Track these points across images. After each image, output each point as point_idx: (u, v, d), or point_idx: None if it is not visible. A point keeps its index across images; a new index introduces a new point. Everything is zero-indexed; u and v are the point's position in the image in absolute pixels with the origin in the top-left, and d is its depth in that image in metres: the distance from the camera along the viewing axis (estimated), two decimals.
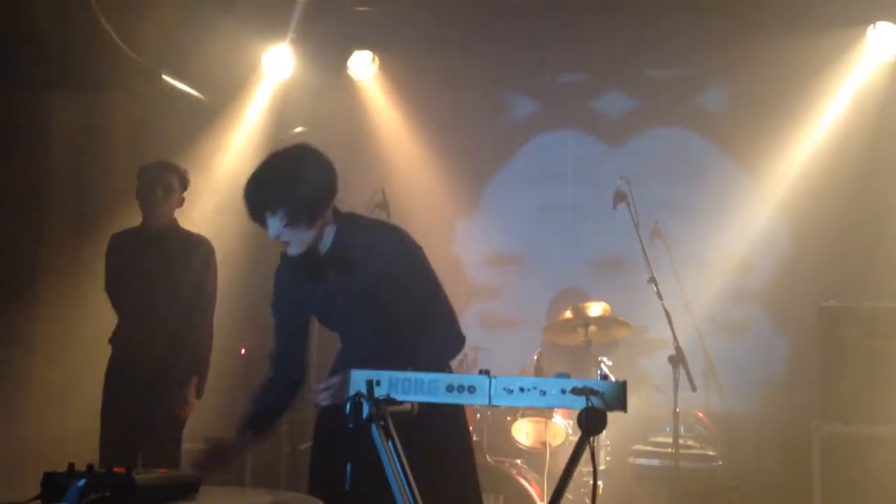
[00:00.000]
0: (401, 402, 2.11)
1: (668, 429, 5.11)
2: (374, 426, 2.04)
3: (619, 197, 5.26)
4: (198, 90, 5.89)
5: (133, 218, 4.48)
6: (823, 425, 4.79)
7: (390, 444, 2.06)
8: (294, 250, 2.81)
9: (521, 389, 2.03)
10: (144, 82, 5.41)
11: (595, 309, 5.46)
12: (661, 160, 6.38)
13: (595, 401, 1.94)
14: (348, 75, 6.57)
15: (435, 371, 2.13)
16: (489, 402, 2.04)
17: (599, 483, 5.03)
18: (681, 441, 4.85)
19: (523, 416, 5.19)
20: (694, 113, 6.41)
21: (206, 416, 4.78)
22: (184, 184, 4.43)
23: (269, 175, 2.77)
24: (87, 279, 4.52)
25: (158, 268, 4.34)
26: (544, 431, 5.12)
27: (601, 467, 5.13)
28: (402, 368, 2.13)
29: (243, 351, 5.70)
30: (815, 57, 5.79)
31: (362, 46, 6.49)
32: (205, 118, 6.01)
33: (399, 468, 2.05)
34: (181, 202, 4.45)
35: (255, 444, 3.07)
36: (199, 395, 4.41)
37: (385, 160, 6.68)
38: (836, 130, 5.90)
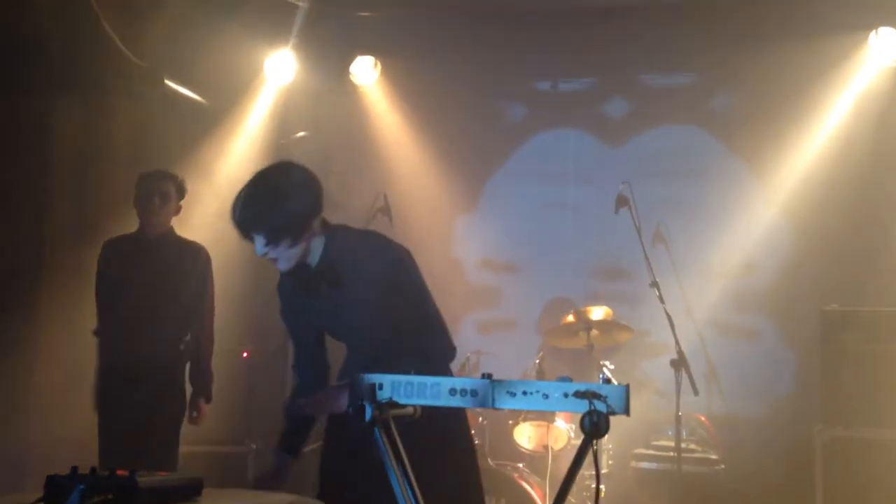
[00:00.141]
0: (403, 406, 2.12)
1: (669, 432, 5.11)
2: (376, 429, 2.05)
3: (621, 201, 5.26)
4: (200, 95, 5.89)
5: (134, 221, 4.51)
6: (826, 429, 4.79)
7: (393, 447, 2.06)
8: (282, 266, 2.88)
9: (524, 393, 2.03)
10: (147, 87, 5.42)
11: (597, 313, 5.46)
12: (663, 158, 6.38)
13: (598, 404, 1.94)
14: (350, 80, 6.58)
15: None
16: (492, 405, 2.04)
17: (602, 487, 5.02)
18: (683, 445, 4.85)
19: (525, 419, 5.19)
20: (697, 112, 6.42)
21: (209, 419, 4.79)
22: (181, 192, 4.49)
23: (251, 195, 2.82)
24: (89, 281, 4.54)
25: (156, 274, 4.38)
26: (546, 435, 5.11)
27: (603, 471, 5.12)
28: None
29: (245, 354, 5.71)
30: (817, 62, 5.80)
31: (364, 51, 6.51)
32: (207, 123, 6.02)
33: (401, 471, 2.05)
34: (178, 210, 4.51)
35: (296, 460, 3.13)
36: (208, 401, 4.50)
37: (387, 164, 6.68)
38: (838, 135, 5.90)
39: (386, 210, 5.73)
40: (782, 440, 5.68)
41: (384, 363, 2.56)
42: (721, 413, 5.82)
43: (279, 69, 6.22)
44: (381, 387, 2.09)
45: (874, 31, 5.75)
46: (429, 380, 2.08)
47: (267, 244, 2.78)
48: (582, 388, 1.98)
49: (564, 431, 5.13)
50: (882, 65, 5.82)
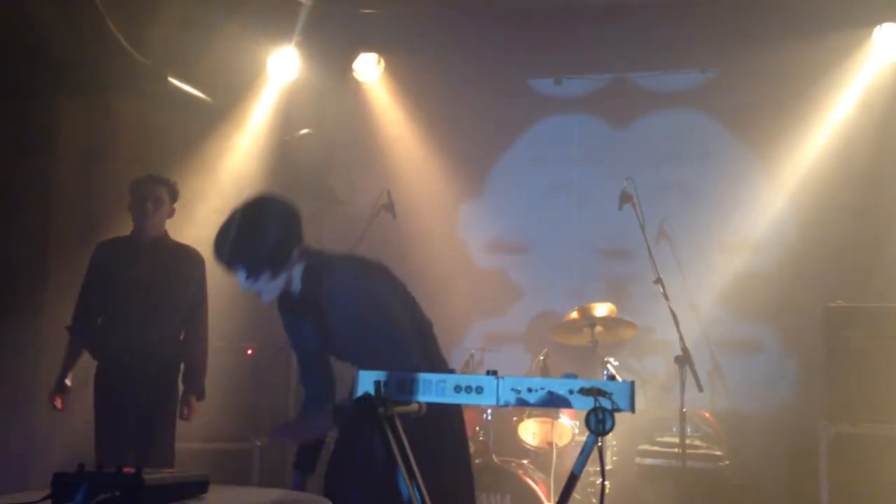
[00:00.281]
0: (408, 403, 2.12)
1: (674, 429, 5.11)
2: (382, 426, 2.05)
3: (625, 198, 5.25)
4: (204, 92, 5.90)
5: None
6: (830, 426, 4.78)
7: (398, 443, 2.07)
8: (266, 298, 2.97)
9: (529, 390, 2.03)
10: (151, 85, 5.43)
11: (601, 309, 5.46)
12: (668, 142, 6.40)
13: (603, 401, 1.94)
14: (354, 77, 6.58)
15: None
16: (497, 402, 2.04)
17: (606, 483, 5.03)
18: (687, 441, 4.84)
19: (530, 416, 5.20)
20: (703, 106, 6.42)
21: (214, 417, 4.81)
22: (173, 196, 4.61)
23: (228, 233, 2.89)
24: None
25: (150, 276, 4.48)
26: (551, 432, 5.12)
27: (608, 467, 5.13)
28: None
29: (250, 352, 5.72)
30: (822, 58, 5.79)
31: (368, 48, 6.50)
32: (211, 120, 6.03)
33: (407, 468, 2.06)
34: (171, 213, 4.62)
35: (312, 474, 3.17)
36: (199, 398, 4.57)
37: (391, 160, 6.69)
38: (842, 130, 5.90)
39: (390, 206, 5.73)
40: (787, 436, 5.67)
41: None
42: (725, 409, 5.82)
43: (283, 66, 6.22)
44: (386, 383, 2.10)
45: (878, 27, 5.75)
46: (434, 377, 2.09)
47: (248, 278, 2.88)
48: (587, 384, 1.98)
49: (569, 428, 5.13)
50: (886, 60, 5.81)
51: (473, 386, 2.05)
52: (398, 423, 2.07)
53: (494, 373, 2.07)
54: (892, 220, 5.71)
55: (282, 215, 2.95)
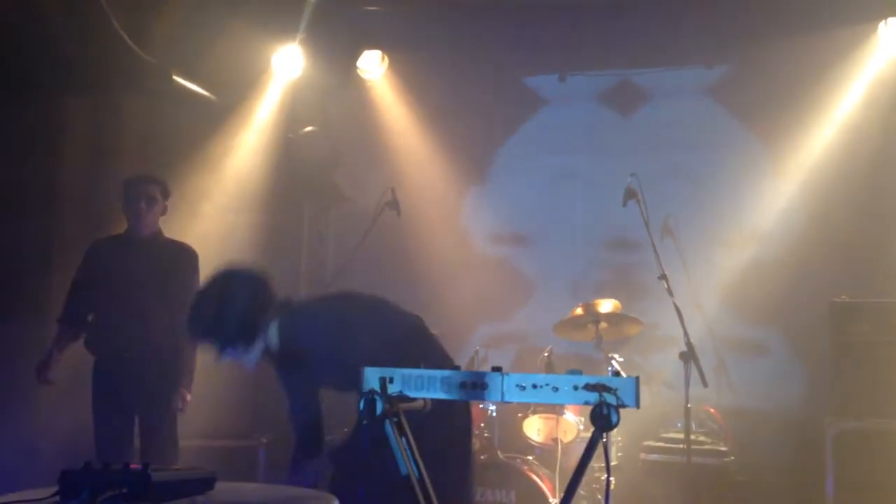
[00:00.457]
0: (413, 399, 2.13)
1: (679, 424, 5.11)
2: (387, 422, 2.06)
3: (630, 194, 5.25)
4: (209, 90, 5.91)
5: None
6: (835, 421, 4.77)
7: (403, 439, 2.07)
8: (249, 365, 3.05)
9: (534, 386, 2.04)
10: (156, 83, 5.45)
11: (605, 306, 5.46)
12: (674, 135, 6.40)
13: (608, 397, 1.95)
14: (358, 74, 6.59)
15: None
16: (502, 398, 2.05)
17: (611, 479, 5.03)
18: (692, 437, 4.85)
19: (534, 412, 5.20)
20: (709, 100, 6.41)
21: (219, 414, 4.82)
22: (165, 194, 4.69)
23: (196, 320, 2.98)
24: None
25: (147, 273, 4.56)
26: (556, 428, 5.12)
27: (613, 463, 5.13)
28: None
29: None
30: (827, 53, 5.78)
31: (372, 46, 6.50)
32: (216, 118, 6.04)
33: (413, 463, 2.06)
34: (164, 211, 4.70)
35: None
36: (189, 391, 4.64)
37: (395, 157, 6.70)
38: (848, 125, 5.89)
39: (394, 204, 5.73)
40: (792, 432, 5.67)
41: None
42: (730, 405, 5.81)
43: (287, 64, 6.22)
44: (391, 380, 2.10)
45: (883, 22, 5.73)
46: (439, 373, 2.09)
47: (223, 354, 2.88)
48: (592, 380, 1.98)
49: (574, 424, 5.13)
50: (891, 55, 5.80)
51: (479, 382, 2.06)
52: (403, 419, 2.08)
53: (499, 369, 2.07)
54: None
55: (248, 289, 3.02)
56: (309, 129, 6.51)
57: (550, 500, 4.87)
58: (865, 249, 5.69)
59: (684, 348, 4.72)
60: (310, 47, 6.17)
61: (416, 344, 3.10)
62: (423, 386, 2.10)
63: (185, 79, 5.64)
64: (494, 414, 5.17)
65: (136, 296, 4.51)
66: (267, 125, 6.35)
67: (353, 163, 6.81)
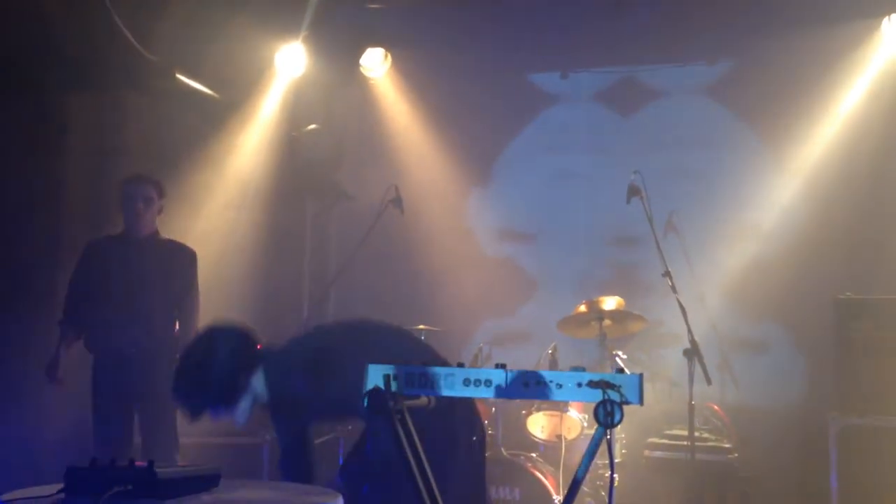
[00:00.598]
0: (417, 396, 2.13)
1: (683, 421, 5.11)
2: (391, 419, 2.06)
3: (633, 191, 5.24)
4: (211, 88, 5.91)
5: None
6: (839, 418, 4.77)
7: (408, 437, 2.08)
8: (240, 422, 3.06)
9: (538, 383, 2.04)
10: (158, 81, 5.45)
11: (609, 303, 5.46)
12: (677, 132, 6.39)
13: (612, 394, 1.95)
14: (361, 72, 6.59)
15: None
16: (505, 395, 2.05)
17: (615, 476, 5.04)
18: (696, 434, 4.84)
19: (538, 409, 5.21)
20: (712, 97, 6.41)
21: None
22: (161, 194, 4.72)
23: (181, 385, 2.97)
24: None
25: (146, 272, 4.61)
26: (560, 425, 5.13)
27: (617, 460, 5.13)
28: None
29: (258, 347, 5.73)
30: (831, 48, 5.79)
31: (374, 43, 6.50)
32: (218, 116, 6.04)
33: (416, 461, 2.07)
34: (161, 210, 4.73)
35: None
36: None
37: (398, 155, 6.70)
38: (851, 121, 5.88)
39: (397, 201, 5.73)
40: (796, 429, 5.67)
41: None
42: (734, 402, 5.81)
43: (290, 62, 6.22)
44: (395, 377, 2.11)
45: (887, 18, 5.73)
46: (443, 370, 2.09)
47: (213, 417, 2.95)
48: (595, 377, 1.98)
49: (577, 421, 5.14)
50: (895, 51, 5.78)
51: (482, 379, 2.06)
52: (407, 416, 2.08)
53: (503, 366, 2.07)
54: None
55: (228, 351, 3.03)
56: (312, 126, 6.51)
57: (554, 497, 4.87)
58: (869, 245, 5.68)
59: (688, 345, 4.72)
60: (312, 45, 6.18)
61: (405, 360, 3.12)
62: (426, 383, 2.10)
63: (188, 77, 5.64)
64: (498, 411, 5.17)
65: (135, 295, 4.55)
66: (270, 123, 6.36)
67: (356, 160, 6.82)
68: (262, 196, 6.28)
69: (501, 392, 2.05)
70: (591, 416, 1.97)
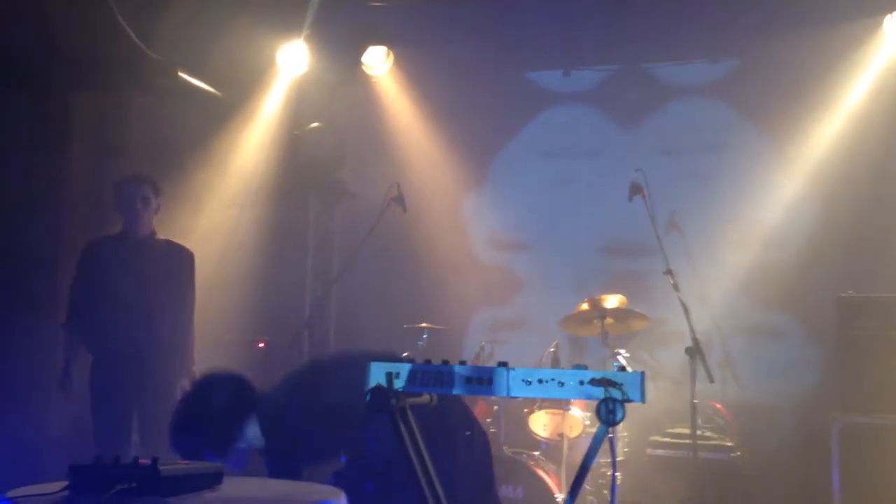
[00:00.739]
0: (420, 394, 2.13)
1: (685, 420, 5.11)
2: (394, 417, 2.07)
3: (635, 189, 5.24)
4: (214, 87, 5.92)
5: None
6: (842, 416, 4.76)
7: (410, 435, 2.08)
8: (236, 470, 3.03)
9: (540, 381, 2.04)
10: (161, 80, 5.46)
11: (611, 301, 5.46)
12: (678, 131, 6.39)
13: (614, 392, 1.95)
14: (363, 70, 6.59)
15: None
16: (507, 393, 2.05)
17: (618, 474, 5.04)
18: (699, 432, 4.85)
19: (540, 407, 5.21)
20: (714, 95, 6.41)
21: None
22: (157, 193, 4.75)
23: (177, 435, 2.98)
24: None
25: (146, 272, 4.65)
26: (562, 423, 5.13)
27: (619, 458, 5.13)
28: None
29: (261, 345, 5.75)
30: (833, 46, 5.77)
31: (376, 42, 6.50)
32: (221, 115, 6.05)
33: (419, 459, 2.07)
34: (158, 209, 4.77)
35: None
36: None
37: (400, 153, 6.71)
38: (854, 119, 5.87)
39: (400, 199, 5.74)
40: (798, 427, 5.67)
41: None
42: (737, 400, 5.81)
43: (292, 60, 6.22)
44: (397, 375, 2.11)
45: (889, 15, 5.71)
46: (445, 368, 2.10)
47: (207, 458, 2.91)
48: (597, 375, 1.98)
49: (580, 419, 5.14)
50: None
51: (484, 377, 2.06)
52: (410, 413, 2.09)
53: (505, 364, 2.07)
54: None
55: (223, 400, 3.02)
56: (314, 125, 6.51)
57: (556, 495, 4.88)
58: (872, 243, 5.68)
59: (690, 344, 4.72)
60: (315, 44, 6.18)
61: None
62: (429, 381, 2.11)
63: (190, 76, 5.65)
64: (500, 409, 5.18)
65: (134, 295, 4.59)
66: (272, 121, 6.37)
67: (358, 158, 6.82)
68: (264, 194, 6.29)
69: (503, 390, 2.05)
70: (594, 414, 1.97)
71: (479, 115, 6.67)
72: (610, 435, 1.99)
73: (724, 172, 6.26)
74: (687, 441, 4.89)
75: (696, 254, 6.11)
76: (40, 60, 4.83)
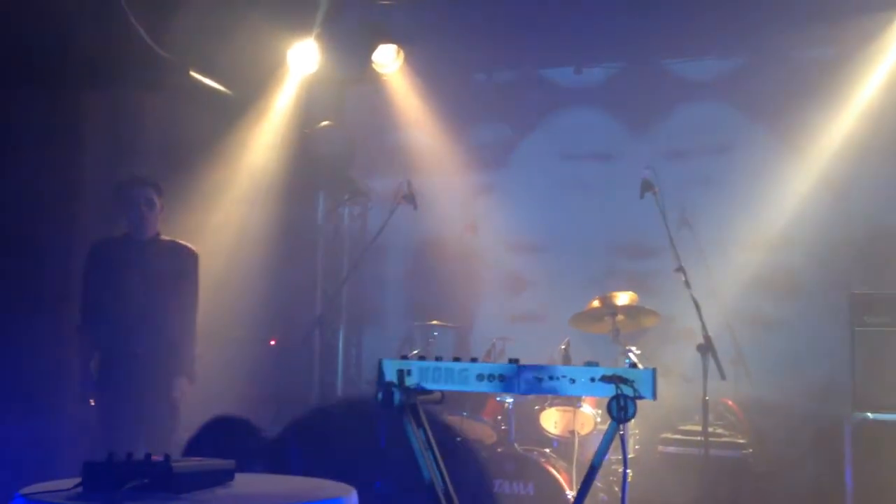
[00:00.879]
0: (431, 391, 2.14)
1: (697, 417, 5.10)
2: (404, 413, 2.07)
3: (646, 186, 5.22)
4: (225, 86, 5.94)
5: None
6: (854, 413, 4.75)
7: (420, 430, 2.09)
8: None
9: (551, 378, 2.04)
10: (173, 79, 5.48)
11: (622, 298, 5.45)
12: (690, 129, 6.38)
13: (625, 389, 1.95)
14: (373, 69, 6.59)
15: None
16: (518, 390, 2.06)
17: (629, 471, 5.03)
18: (710, 429, 4.83)
19: (551, 404, 5.21)
20: (723, 93, 6.39)
21: (236, 406, 4.85)
22: (160, 194, 4.77)
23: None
24: None
25: (148, 273, 4.68)
26: (573, 420, 5.13)
27: (630, 455, 5.13)
28: None
29: (273, 342, 5.77)
30: (844, 43, 5.77)
31: (387, 40, 6.50)
32: (232, 113, 6.07)
33: (429, 454, 2.08)
34: (161, 209, 4.79)
35: None
36: (192, 381, 4.75)
37: (411, 151, 6.72)
38: (866, 115, 5.84)
39: (410, 197, 5.74)
40: (810, 424, 5.64)
41: None
42: (748, 397, 5.79)
43: (303, 59, 6.23)
44: (409, 372, 2.12)
45: None
46: (456, 365, 2.10)
47: None
48: (609, 372, 1.99)
49: (591, 416, 5.14)
50: None
51: (496, 374, 2.07)
52: (420, 410, 2.09)
53: (516, 361, 2.08)
54: None
55: (229, 441, 3.07)
56: (325, 123, 6.53)
57: (567, 492, 4.88)
58: (885, 241, 5.65)
59: (702, 341, 4.71)
60: (325, 42, 6.18)
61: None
62: (440, 378, 2.11)
63: (201, 75, 5.68)
64: (511, 406, 5.18)
65: (141, 296, 4.63)
66: (283, 120, 6.38)
67: (369, 157, 6.83)
68: (275, 192, 6.30)
69: (514, 387, 2.06)
70: (605, 411, 1.98)
71: (489, 108, 6.67)
72: (621, 432, 1.99)
73: (735, 169, 6.25)
74: (698, 438, 4.88)
75: (707, 251, 6.09)
76: (53, 59, 4.85)
